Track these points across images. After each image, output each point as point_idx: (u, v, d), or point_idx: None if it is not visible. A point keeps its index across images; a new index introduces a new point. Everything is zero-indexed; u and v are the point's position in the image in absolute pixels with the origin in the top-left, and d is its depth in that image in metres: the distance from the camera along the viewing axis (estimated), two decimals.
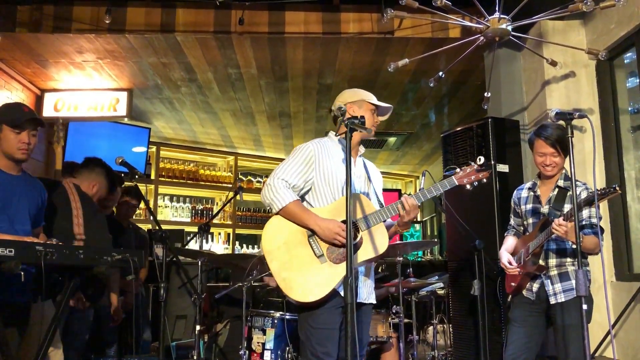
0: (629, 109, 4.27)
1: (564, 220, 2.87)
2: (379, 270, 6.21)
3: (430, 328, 4.99)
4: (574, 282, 3.03)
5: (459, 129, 4.68)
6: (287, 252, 2.61)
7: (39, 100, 6.24)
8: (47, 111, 6.22)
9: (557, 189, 3.16)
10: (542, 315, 3.17)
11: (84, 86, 6.18)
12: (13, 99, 5.77)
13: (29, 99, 6.11)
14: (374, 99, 2.87)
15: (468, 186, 2.76)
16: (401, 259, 4.45)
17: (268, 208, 2.69)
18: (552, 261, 3.12)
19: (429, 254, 8.19)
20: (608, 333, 3.88)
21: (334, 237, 2.56)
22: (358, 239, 2.62)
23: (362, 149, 2.95)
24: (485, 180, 2.78)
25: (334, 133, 2.86)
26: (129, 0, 4.80)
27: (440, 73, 4.23)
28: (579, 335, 2.87)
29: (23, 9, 4.83)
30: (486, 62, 5.09)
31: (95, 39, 4.97)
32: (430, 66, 5.29)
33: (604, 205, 4.21)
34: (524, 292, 3.21)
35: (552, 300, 3.08)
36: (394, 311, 4.27)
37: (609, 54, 4.11)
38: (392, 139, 8.19)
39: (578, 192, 2.99)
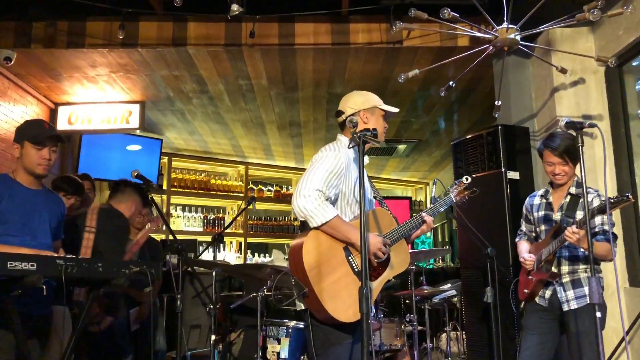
0: (639, 114, 4.28)
1: (577, 227, 2.89)
2: (390, 279, 6.21)
3: (444, 335, 5.00)
4: (586, 289, 3.04)
5: (469, 136, 4.71)
6: (330, 272, 2.52)
7: (53, 113, 6.33)
8: (61, 124, 6.32)
9: (569, 196, 3.18)
10: (555, 322, 3.18)
11: (97, 99, 6.26)
12: (28, 112, 5.87)
13: (44, 112, 6.20)
14: (383, 104, 2.86)
15: (459, 203, 3.05)
16: (414, 267, 4.47)
17: (302, 220, 2.56)
18: (565, 268, 3.14)
19: (441, 261, 8.20)
20: (622, 339, 3.88)
21: (375, 251, 2.56)
22: (386, 255, 2.66)
23: (366, 159, 2.84)
24: (467, 197, 3.05)
25: (346, 138, 2.80)
26: (141, 14, 4.88)
27: (451, 83, 4.26)
28: (592, 342, 2.90)
29: (38, 25, 4.92)
30: (495, 70, 5.12)
31: (108, 53, 5.06)
32: (440, 74, 5.32)
33: (616, 211, 4.21)
34: (537, 299, 3.23)
35: (565, 307, 3.09)
36: (407, 319, 4.29)
37: (618, 60, 4.12)
38: (401, 147, 8.22)
39: (590, 199, 3.01)
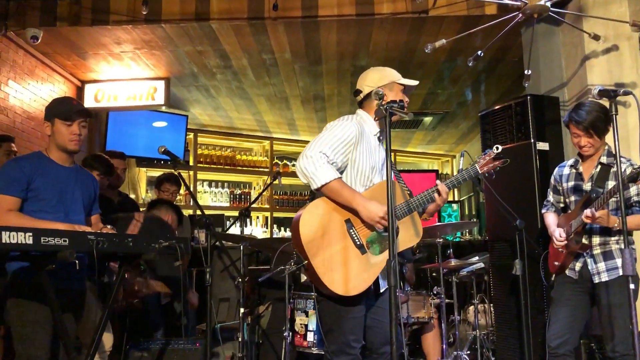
0: None
1: (595, 209, 2.85)
2: (416, 253, 6.22)
3: (471, 308, 4.99)
4: (618, 261, 2.99)
5: (497, 107, 4.62)
6: (329, 245, 2.49)
7: (80, 91, 6.40)
8: (88, 102, 6.38)
9: (599, 166, 3.11)
10: (586, 295, 3.14)
11: (123, 76, 6.31)
12: (55, 91, 5.94)
13: (70, 90, 6.27)
14: (402, 79, 2.81)
15: (487, 174, 2.78)
16: (441, 240, 4.45)
17: (305, 181, 2.54)
18: (596, 239, 3.08)
19: (467, 234, 8.15)
20: None
21: (378, 220, 2.49)
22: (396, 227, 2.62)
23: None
24: (499, 168, 2.79)
25: (365, 112, 2.80)
26: None
27: (480, 52, 4.16)
28: (624, 315, 2.86)
29: (63, 4, 4.94)
30: (524, 39, 4.98)
31: (132, 30, 5.07)
32: (467, 44, 5.21)
33: None
34: (567, 272, 3.19)
35: (596, 280, 3.05)
36: (434, 292, 4.28)
37: None
38: (427, 119, 8.13)
39: (623, 169, 2.94)
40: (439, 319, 4.31)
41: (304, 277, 2.58)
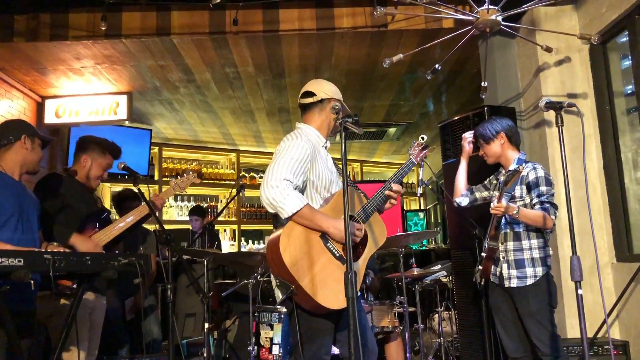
0: (624, 91, 4.29)
1: (497, 202, 3.08)
2: (379, 264, 6.27)
3: (436, 316, 5.06)
4: (527, 270, 3.14)
5: (456, 118, 4.71)
6: (313, 264, 2.49)
7: (40, 107, 6.30)
8: (49, 118, 6.29)
9: (509, 172, 3.25)
10: (510, 299, 3.23)
11: (84, 91, 6.23)
12: (14, 107, 5.84)
13: (30, 106, 6.17)
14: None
15: (420, 163, 3.12)
16: (403, 250, 4.50)
17: (272, 211, 2.50)
18: (510, 244, 3.23)
19: (432, 242, 8.26)
20: (610, 313, 3.94)
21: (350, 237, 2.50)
22: (361, 234, 2.65)
23: (328, 143, 2.85)
24: (426, 156, 3.12)
25: (306, 125, 2.81)
26: (124, 5, 4.83)
27: (437, 65, 4.25)
28: (536, 322, 3.07)
29: (20, 19, 4.88)
30: (480, 51, 5.11)
31: (92, 45, 5.02)
32: (426, 57, 5.32)
33: (601, 188, 4.25)
34: (491, 277, 3.30)
35: (506, 284, 3.18)
36: (397, 301, 4.33)
37: (602, 37, 4.13)
38: (392, 130, 8.24)
39: (526, 173, 3.20)
40: (403, 328, 4.36)
41: (279, 297, 2.54)
